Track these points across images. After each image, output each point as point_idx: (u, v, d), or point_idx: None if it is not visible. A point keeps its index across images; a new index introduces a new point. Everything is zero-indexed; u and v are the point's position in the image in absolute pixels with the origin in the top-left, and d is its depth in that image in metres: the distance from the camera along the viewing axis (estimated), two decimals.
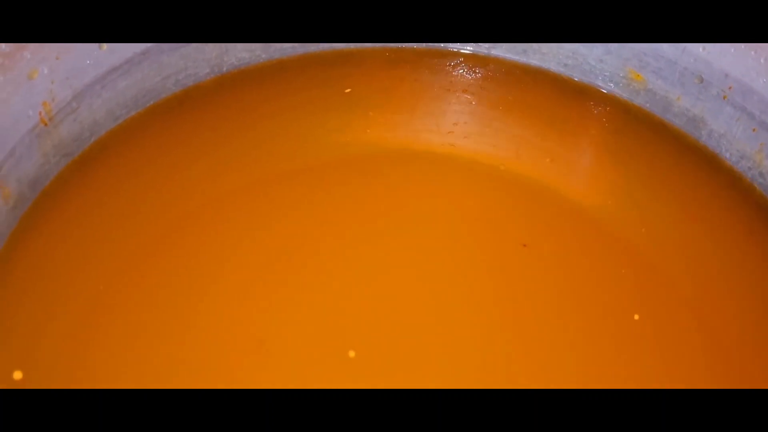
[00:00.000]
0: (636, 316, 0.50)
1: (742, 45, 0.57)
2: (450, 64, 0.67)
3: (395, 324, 0.48)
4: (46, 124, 0.53)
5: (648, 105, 0.65)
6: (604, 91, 0.66)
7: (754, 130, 0.59)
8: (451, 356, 0.47)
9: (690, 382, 0.47)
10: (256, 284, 0.50)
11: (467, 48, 0.68)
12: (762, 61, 0.57)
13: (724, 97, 0.60)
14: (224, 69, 0.65)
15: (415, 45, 0.68)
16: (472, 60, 0.67)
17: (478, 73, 0.67)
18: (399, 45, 0.68)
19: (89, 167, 0.56)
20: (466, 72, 0.67)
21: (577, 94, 0.66)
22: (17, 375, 0.44)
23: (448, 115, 0.63)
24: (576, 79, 0.66)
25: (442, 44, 0.68)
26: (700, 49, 0.60)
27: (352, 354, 0.46)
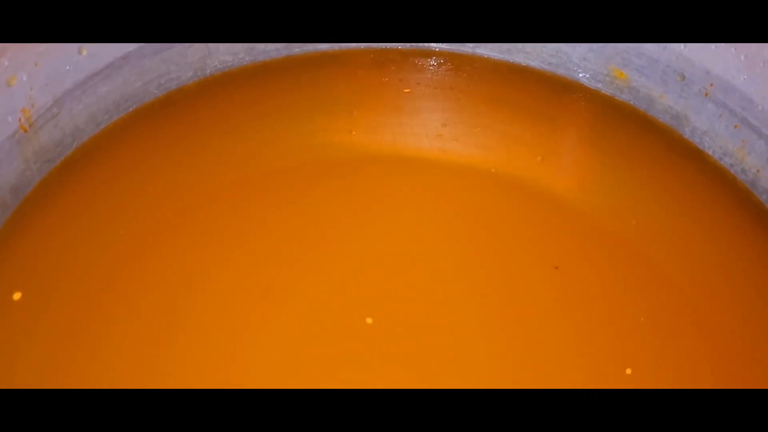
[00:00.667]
0: (642, 318, 0.50)
1: (723, 43, 0.57)
2: (435, 64, 0.67)
3: (382, 328, 0.48)
4: (26, 131, 0.53)
5: (633, 102, 0.65)
6: (590, 87, 0.66)
7: (735, 126, 0.59)
8: (442, 361, 0.47)
9: (685, 380, 0.47)
10: (245, 284, 0.50)
11: (452, 47, 0.68)
12: (742, 58, 0.57)
13: (706, 95, 0.60)
14: (207, 72, 0.64)
15: (399, 45, 0.68)
16: (457, 59, 0.67)
17: (464, 72, 0.67)
18: (384, 45, 0.68)
19: (72, 173, 0.56)
20: (452, 71, 0.67)
21: (562, 91, 0.66)
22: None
23: (435, 115, 0.63)
24: (560, 75, 0.66)
25: (426, 43, 0.68)
26: (682, 47, 0.60)
27: (341, 357, 0.47)
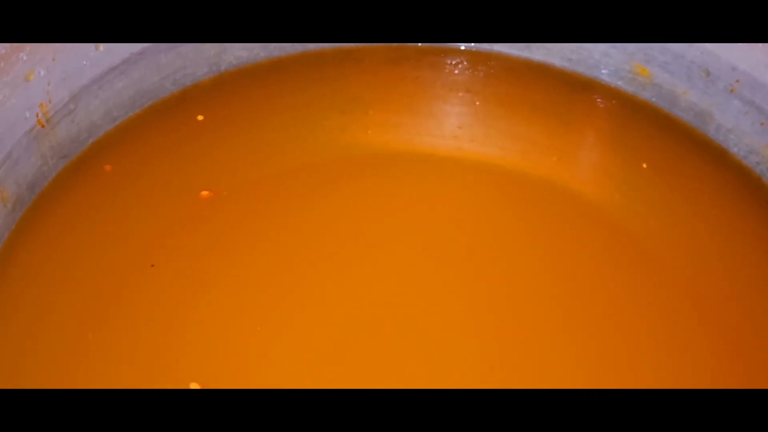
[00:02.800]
0: (660, 319, 0.49)
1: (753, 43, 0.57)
2: (452, 62, 0.66)
3: (396, 328, 0.48)
4: (43, 126, 0.53)
5: (654, 99, 0.64)
6: (610, 86, 0.65)
7: (762, 124, 0.58)
8: (459, 357, 0.47)
9: (696, 380, 0.46)
10: (257, 284, 0.50)
11: (469, 45, 0.67)
12: None
13: (732, 91, 0.60)
14: (222, 68, 0.64)
15: (415, 43, 0.67)
16: (474, 57, 0.67)
17: (481, 70, 0.66)
18: (399, 43, 0.67)
19: (87, 169, 0.56)
20: (468, 69, 0.66)
21: (582, 89, 0.65)
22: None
23: (451, 115, 0.63)
24: (580, 74, 0.66)
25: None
26: (707, 43, 0.59)
27: (349, 356, 0.46)
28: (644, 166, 0.59)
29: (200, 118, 0.60)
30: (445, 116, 0.63)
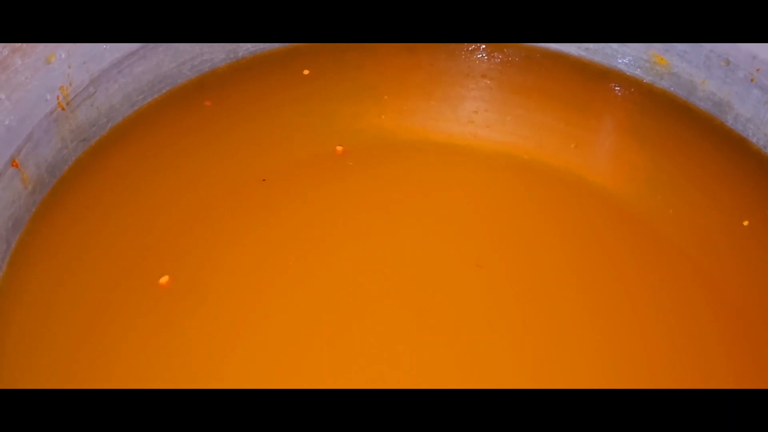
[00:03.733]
0: (676, 313, 0.49)
1: None
2: (468, 49, 0.66)
3: (410, 319, 0.48)
4: (63, 109, 0.53)
5: (673, 89, 0.64)
6: (628, 75, 0.65)
7: None
8: (475, 351, 0.47)
9: (713, 377, 0.46)
10: (270, 271, 0.49)
11: None
12: None
13: (752, 80, 0.59)
14: (240, 55, 0.64)
15: None
16: (491, 45, 0.67)
17: (497, 58, 0.66)
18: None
19: (106, 153, 0.56)
20: (484, 57, 0.66)
21: (599, 78, 0.65)
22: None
23: (466, 102, 0.62)
24: (598, 62, 0.65)
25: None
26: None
27: (361, 350, 0.46)
28: (661, 155, 0.59)
29: (208, 103, 0.60)
30: (461, 102, 0.62)
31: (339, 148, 0.56)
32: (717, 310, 0.50)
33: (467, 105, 0.62)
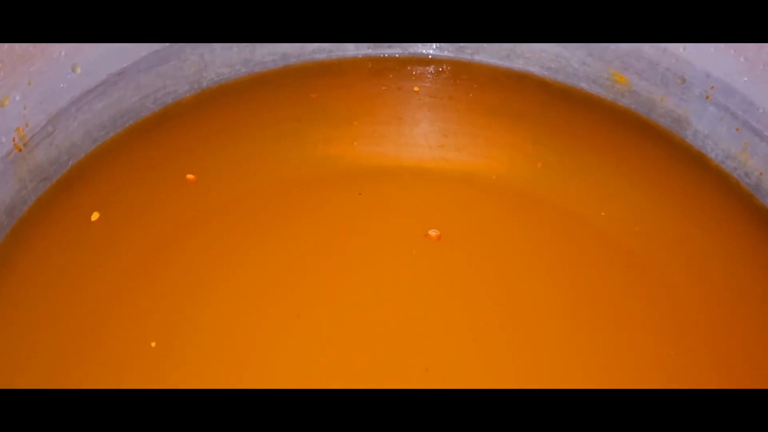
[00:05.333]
0: (644, 324, 0.49)
1: (722, 44, 0.57)
2: (433, 71, 0.66)
3: (382, 341, 0.48)
4: (20, 150, 0.53)
5: (633, 106, 0.64)
6: (590, 93, 0.65)
7: (737, 129, 0.58)
8: (447, 366, 0.47)
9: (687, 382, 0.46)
10: (244, 299, 0.49)
11: (449, 54, 0.67)
12: (742, 60, 0.56)
13: (707, 98, 0.60)
14: (204, 85, 0.64)
15: (396, 53, 0.67)
16: (456, 66, 0.67)
17: (462, 79, 0.66)
18: (380, 53, 0.67)
19: (69, 191, 0.56)
20: (450, 79, 0.66)
21: (562, 97, 0.65)
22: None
23: (436, 124, 0.63)
24: (561, 82, 0.66)
25: (424, 51, 0.67)
26: (681, 50, 0.59)
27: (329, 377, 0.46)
28: (625, 171, 0.59)
29: (183, 134, 0.60)
30: (430, 126, 0.63)
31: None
32: (684, 317, 0.50)
33: (436, 128, 0.62)
